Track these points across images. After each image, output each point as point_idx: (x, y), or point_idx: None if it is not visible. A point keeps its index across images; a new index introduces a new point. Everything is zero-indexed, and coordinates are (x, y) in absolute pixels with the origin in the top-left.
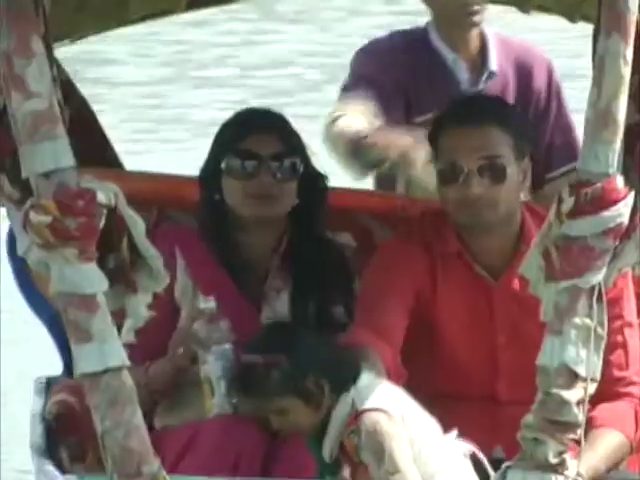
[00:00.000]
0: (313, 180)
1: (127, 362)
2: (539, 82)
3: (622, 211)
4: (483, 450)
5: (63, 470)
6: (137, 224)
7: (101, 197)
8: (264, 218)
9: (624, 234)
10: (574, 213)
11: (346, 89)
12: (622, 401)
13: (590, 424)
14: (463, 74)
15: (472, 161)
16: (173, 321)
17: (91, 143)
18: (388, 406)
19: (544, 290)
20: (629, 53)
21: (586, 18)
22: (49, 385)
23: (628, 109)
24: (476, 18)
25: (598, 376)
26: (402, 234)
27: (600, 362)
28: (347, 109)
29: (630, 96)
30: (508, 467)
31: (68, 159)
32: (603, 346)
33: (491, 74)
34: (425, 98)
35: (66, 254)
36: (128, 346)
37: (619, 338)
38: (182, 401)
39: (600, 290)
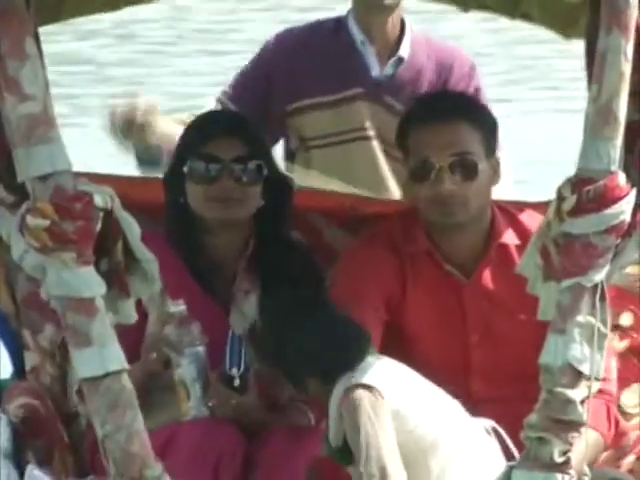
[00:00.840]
0: (278, 182)
1: (126, 366)
2: (458, 80)
3: (624, 208)
4: None
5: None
6: (132, 227)
7: (98, 200)
8: (228, 221)
9: (626, 231)
10: (576, 211)
11: (239, 74)
12: (595, 399)
13: None
14: (372, 58)
15: (443, 158)
16: (141, 326)
17: None
18: (377, 382)
19: (542, 289)
20: (629, 49)
21: (526, 16)
22: (1, 389)
23: (628, 107)
24: (385, 4)
25: (602, 374)
26: (367, 237)
27: (603, 360)
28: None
29: (630, 94)
30: (512, 467)
31: (64, 162)
32: (606, 344)
33: (400, 60)
34: (325, 82)
35: (64, 258)
36: None
37: None
38: (156, 405)
39: (603, 288)
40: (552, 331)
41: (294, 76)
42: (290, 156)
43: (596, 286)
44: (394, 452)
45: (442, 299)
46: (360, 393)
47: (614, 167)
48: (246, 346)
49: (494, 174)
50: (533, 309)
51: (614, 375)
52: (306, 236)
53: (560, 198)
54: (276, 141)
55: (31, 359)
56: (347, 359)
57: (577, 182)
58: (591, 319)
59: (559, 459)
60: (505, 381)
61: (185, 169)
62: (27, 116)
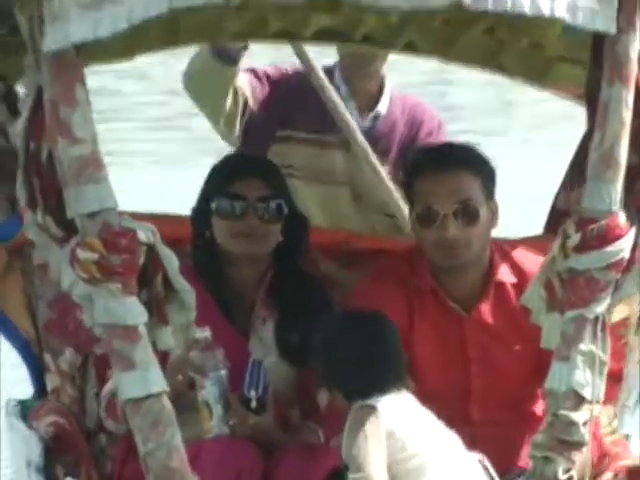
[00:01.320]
0: (296, 220)
1: (166, 388)
2: (426, 134)
3: (624, 246)
4: None
5: None
6: (172, 260)
7: (141, 235)
8: (251, 255)
9: (625, 267)
10: (580, 248)
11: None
12: None
13: None
14: (353, 110)
15: (448, 205)
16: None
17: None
18: (380, 405)
19: (546, 319)
20: (630, 99)
21: (502, 68)
22: (25, 408)
23: (628, 151)
24: (367, 70)
25: (602, 398)
26: (376, 273)
27: (603, 385)
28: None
29: (630, 140)
30: None
31: (111, 200)
32: (605, 371)
33: (377, 116)
34: (310, 122)
35: (110, 288)
36: None
37: None
38: (180, 423)
39: (604, 319)
40: (557, 359)
41: (288, 107)
42: None
43: (597, 317)
44: (380, 465)
45: (445, 332)
46: (362, 411)
47: (615, 207)
48: (265, 370)
49: (493, 217)
50: (527, 341)
51: None
52: (307, 267)
53: (565, 236)
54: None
55: (52, 381)
56: (389, 380)
57: (581, 221)
58: (593, 348)
59: (563, 477)
60: (501, 406)
61: (213, 206)
62: (77, 158)
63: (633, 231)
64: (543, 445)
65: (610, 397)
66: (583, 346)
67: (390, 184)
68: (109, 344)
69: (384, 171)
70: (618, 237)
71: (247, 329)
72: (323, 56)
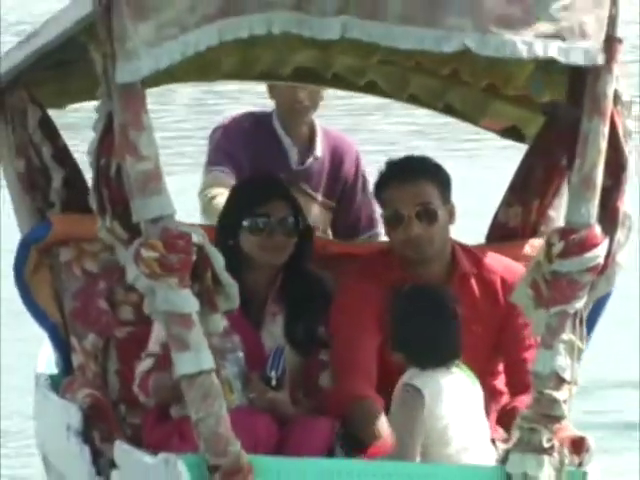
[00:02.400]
0: (304, 232)
1: (214, 366)
2: (348, 166)
3: (600, 253)
4: None
5: (95, 448)
6: (218, 259)
7: (194, 238)
8: (272, 264)
9: (600, 271)
10: (563, 254)
11: (211, 163)
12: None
13: (515, 412)
14: (294, 155)
15: (410, 208)
16: None
17: (82, 194)
18: (423, 387)
19: (534, 313)
20: (606, 130)
21: (448, 108)
22: (55, 382)
23: (603, 174)
24: (301, 111)
25: (579, 380)
26: (354, 273)
27: (579, 369)
28: (217, 186)
29: (605, 165)
30: (509, 450)
31: (170, 208)
32: (582, 357)
33: (315, 158)
34: (262, 166)
35: (169, 282)
36: (155, 354)
37: (532, 340)
38: None
39: (581, 314)
40: (542, 346)
41: (249, 153)
42: None
43: (576, 312)
44: (415, 438)
45: None
46: (408, 392)
47: (592, 221)
48: (285, 355)
49: (451, 217)
50: (487, 324)
51: None
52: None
53: (549, 244)
54: None
55: (77, 359)
56: (444, 357)
57: (564, 232)
58: (572, 337)
59: (546, 444)
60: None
61: (244, 223)
62: (143, 172)
63: (606, 241)
64: (530, 418)
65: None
66: (564, 336)
67: (321, 208)
68: (167, 329)
69: (318, 198)
70: (595, 245)
71: (259, 322)
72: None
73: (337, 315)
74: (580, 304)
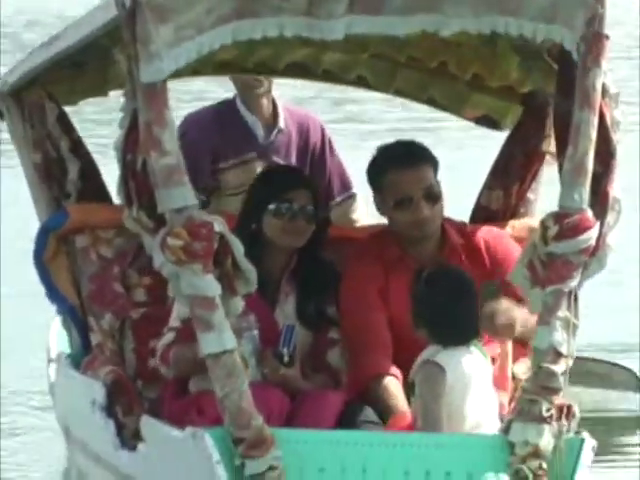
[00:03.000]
0: (322, 221)
1: (236, 345)
2: (315, 137)
3: (592, 235)
4: None
5: (118, 421)
6: (238, 246)
7: (216, 227)
8: (292, 247)
9: (591, 252)
10: (558, 237)
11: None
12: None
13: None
14: (259, 131)
15: (418, 191)
16: None
17: (96, 184)
18: (445, 364)
19: (531, 292)
20: (595, 121)
21: (431, 100)
22: (75, 360)
23: (593, 162)
24: (260, 91)
25: (574, 354)
26: (355, 254)
27: (575, 344)
28: None
29: (595, 153)
30: (511, 420)
31: (193, 199)
32: (577, 332)
33: (280, 130)
34: (231, 149)
35: (194, 268)
36: (176, 329)
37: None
38: None
39: (576, 292)
40: (540, 323)
41: (211, 146)
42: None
43: (571, 291)
44: (440, 411)
45: (410, 286)
46: (430, 368)
47: (585, 205)
48: (296, 333)
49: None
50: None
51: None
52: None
53: (544, 227)
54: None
55: (95, 338)
56: (465, 336)
57: (558, 216)
58: (568, 314)
59: (546, 414)
60: None
61: (270, 207)
62: (166, 166)
63: (598, 224)
64: (530, 390)
65: (524, 354)
66: (560, 313)
67: None
68: (192, 311)
69: None
70: (588, 229)
71: (274, 301)
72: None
73: (346, 296)
74: (574, 283)
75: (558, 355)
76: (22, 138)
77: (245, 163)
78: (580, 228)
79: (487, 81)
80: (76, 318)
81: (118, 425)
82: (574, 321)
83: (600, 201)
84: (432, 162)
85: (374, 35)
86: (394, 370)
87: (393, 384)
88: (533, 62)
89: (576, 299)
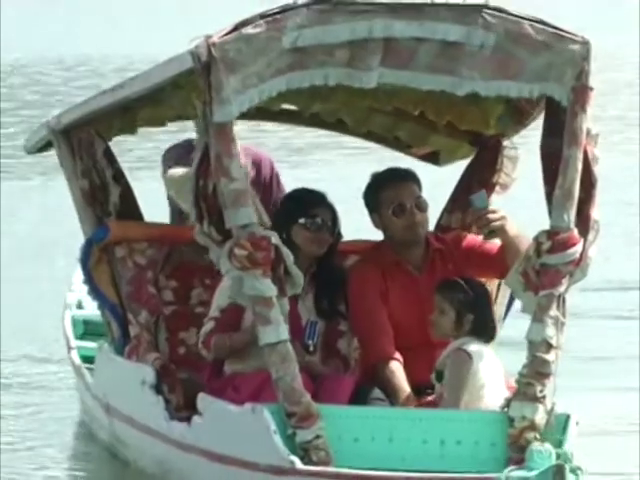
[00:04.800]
0: (336, 236)
1: (289, 336)
2: (265, 171)
3: (578, 249)
4: (423, 375)
5: (165, 398)
6: (289, 256)
7: (273, 239)
8: (315, 255)
9: (576, 263)
10: (551, 250)
11: (165, 170)
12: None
13: None
14: None
15: (411, 200)
16: (242, 308)
17: (132, 206)
18: (472, 352)
19: (523, 295)
20: (580, 155)
21: (397, 139)
22: (117, 349)
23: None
24: None
25: (562, 346)
26: (360, 261)
27: (563, 338)
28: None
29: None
30: (510, 399)
31: (254, 217)
32: (564, 329)
33: None
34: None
35: (255, 273)
36: (215, 318)
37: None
38: (250, 356)
39: (563, 296)
40: (534, 320)
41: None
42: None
43: (560, 295)
44: (462, 392)
45: (407, 289)
46: (461, 354)
47: (572, 225)
48: (318, 327)
49: None
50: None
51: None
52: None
53: (538, 242)
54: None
55: (133, 330)
56: (488, 334)
57: (550, 234)
58: (557, 313)
59: (539, 395)
60: None
61: (301, 221)
62: (234, 190)
63: (582, 241)
64: (526, 375)
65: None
66: (552, 312)
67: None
68: (253, 309)
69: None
70: (574, 244)
71: (297, 297)
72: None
73: (353, 296)
74: (563, 289)
75: (549, 346)
76: (71, 168)
77: None
78: (569, 244)
79: (458, 124)
80: (116, 314)
81: (165, 401)
82: (562, 319)
83: (583, 222)
84: (417, 180)
85: (369, 88)
86: (397, 355)
87: (396, 366)
88: (514, 106)
89: (564, 301)
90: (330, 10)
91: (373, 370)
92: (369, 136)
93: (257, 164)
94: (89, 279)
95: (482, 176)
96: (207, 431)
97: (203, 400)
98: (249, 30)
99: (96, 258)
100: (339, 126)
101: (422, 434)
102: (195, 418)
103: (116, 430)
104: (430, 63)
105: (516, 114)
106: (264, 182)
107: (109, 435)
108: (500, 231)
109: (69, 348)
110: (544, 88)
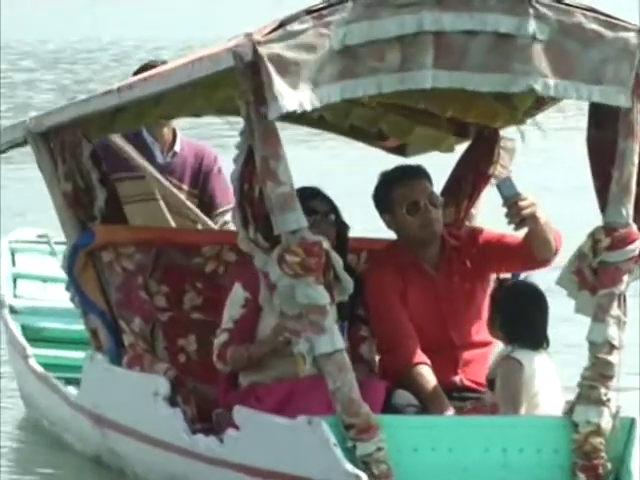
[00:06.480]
0: (341, 226)
1: (344, 346)
2: (207, 163)
3: (637, 246)
4: (447, 379)
5: (181, 409)
6: (339, 261)
7: (324, 245)
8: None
9: (636, 260)
10: (610, 248)
11: None
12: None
13: None
14: (157, 152)
15: (424, 197)
16: (257, 317)
17: (118, 210)
18: (523, 360)
19: (578, 294)
20: (637, 148)
21: (379, 132)
22: (111, 358)
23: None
24: (163, 121)
25: (624, 346)
26: (376, 263)
27: (623, 338)
28: None
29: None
30: (574, 403)
31: (304, 222)
32: (625, 328)
33: (175, 153)
34: (130, 164)
35: (308, 280)
36: (229, 330)
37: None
38: (268, 366)
39: (624, 294)
40: (595, 320)
41: (115, 159)
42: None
43: (621, 293)
44: (518, 399)
45: (424, 288)
46: (511, 362)
47: (630, 221)
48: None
49: None
50: (475, 280)
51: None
52: (240, 253)
53: (595, 240)
54: None
55: (128, 339)
56: (537, 340)
57: (608, 230)
58: (619, 313)
59: (604, 398)
60: (471, 330)
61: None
62: (281, 194)
63: None
64: (589, 377)
65: None
66: (613, 312)
67: (184, 198)
68: (306, 317)
69: (184, 188)
70: (634, 241)
71: None
72: None
73: (373, 299)
74: (623, 287)
75: (612, 347)
76: (51, 171)
77: (137, 178)
78: (628, 240)
79: (462, 117)
80: (106, 321)
81: (183, 412)
82: (623, 319)
83: None
84: (428, 176)
85: None
86: (425, 358)
87: (427, 371)
88: (500, 104)
89: (625, 300)
90: (376, 4)
91: (402, 375)
92: (351, 131)
93: (199, 156)
94: (76, 286)
95: (478, 168)
96: (246, 445)
97: (240, 412)
98: (295, 27)
99: (82, 264)
100: (319, 122)
101: (483, 442)
102: (229, 432)
103: (109, 442)
104: (482, 61)
105: (538, 102)
106: (206, 173)
107: (97, 446)
108: (531, 219)
109: (25, 356)
110: (605, 95)
